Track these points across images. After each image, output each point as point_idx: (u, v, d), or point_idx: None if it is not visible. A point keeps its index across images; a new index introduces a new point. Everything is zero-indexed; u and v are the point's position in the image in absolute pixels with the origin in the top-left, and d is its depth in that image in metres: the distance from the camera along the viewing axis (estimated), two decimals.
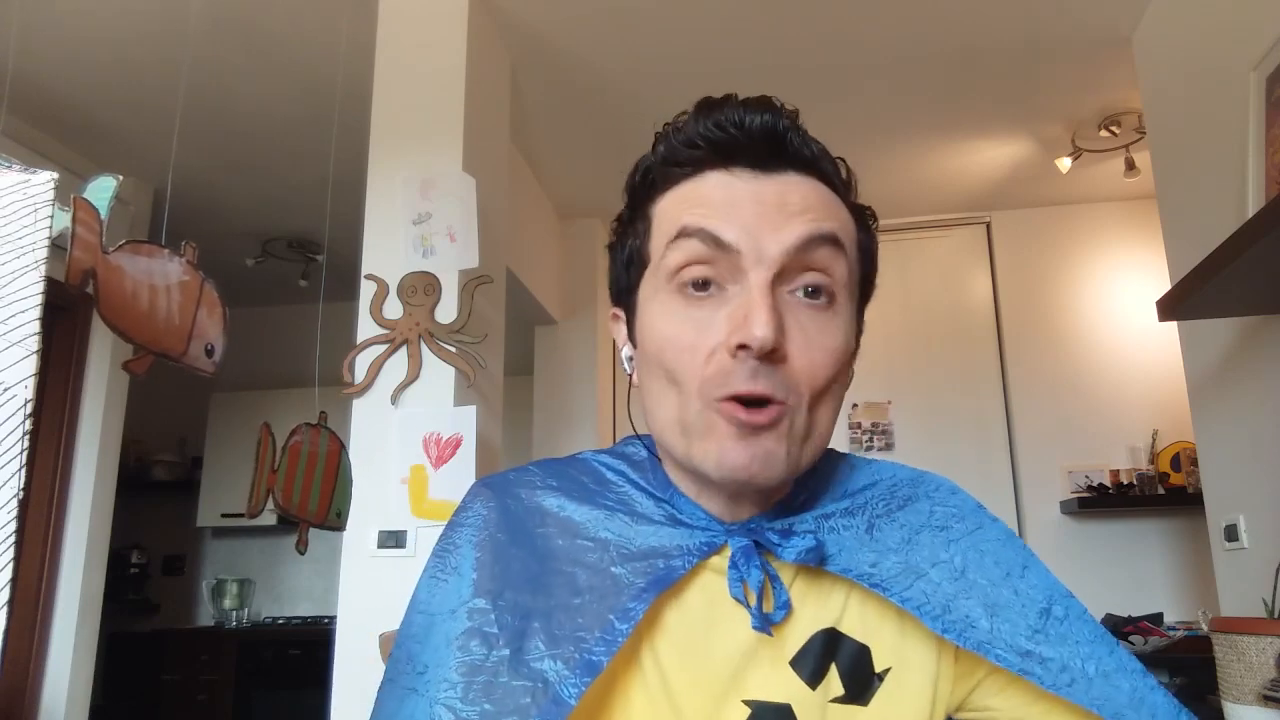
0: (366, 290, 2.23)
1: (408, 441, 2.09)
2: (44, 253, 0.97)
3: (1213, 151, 2.21)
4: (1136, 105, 3.06)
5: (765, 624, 0.60)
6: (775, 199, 0.60)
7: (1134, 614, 3.28)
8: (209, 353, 1.61)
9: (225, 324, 1.67)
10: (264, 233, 4.13)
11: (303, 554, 1.83)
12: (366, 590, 2.08)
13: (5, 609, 0.82)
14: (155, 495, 4.79)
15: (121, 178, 1.37)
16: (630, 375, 0.68)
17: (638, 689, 0.61)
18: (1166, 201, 2.55)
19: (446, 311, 2.19)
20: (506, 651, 0.58)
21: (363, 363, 2.19)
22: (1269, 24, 1.92)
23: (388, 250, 2.25)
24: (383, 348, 2.19)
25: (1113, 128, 3.26)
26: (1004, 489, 3.74)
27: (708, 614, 0.63)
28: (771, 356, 0.57)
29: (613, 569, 0.62)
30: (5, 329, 0.92)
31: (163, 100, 2.95)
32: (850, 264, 0.63)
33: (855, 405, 3.89)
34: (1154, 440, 3.62)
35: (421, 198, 2.20)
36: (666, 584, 0.61)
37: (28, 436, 0.89)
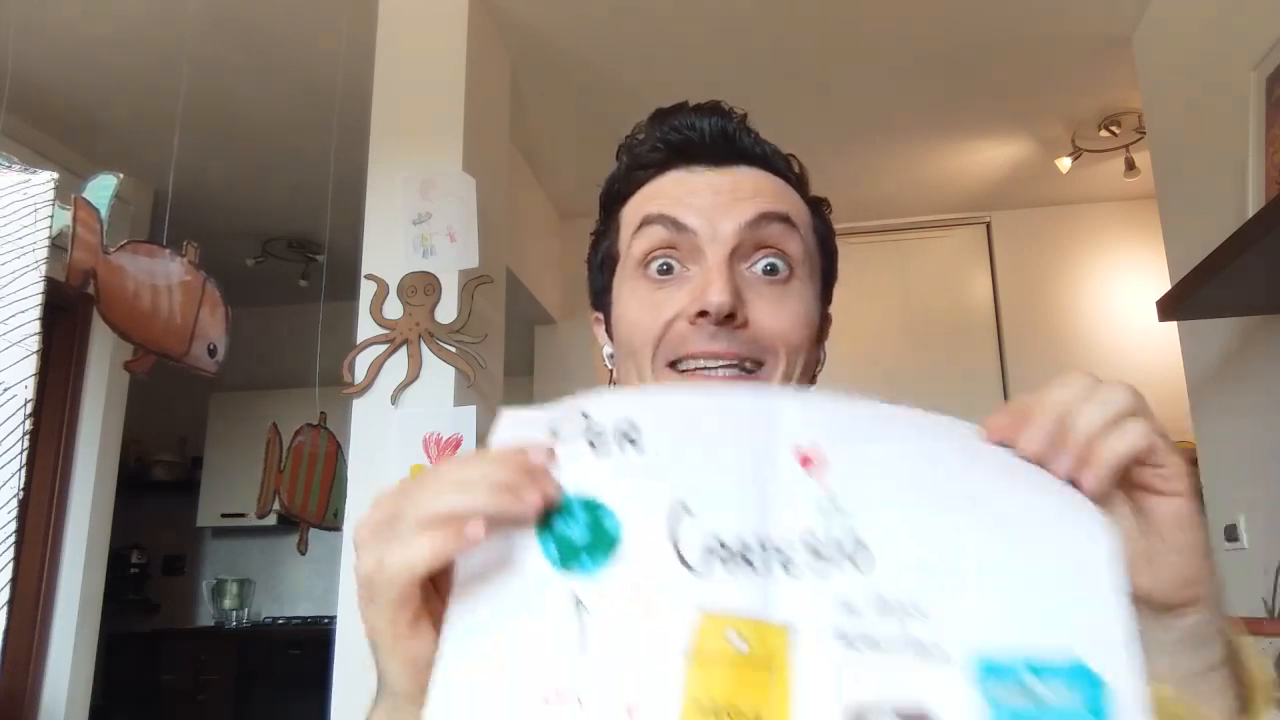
0: (366, 290, 2.23)
1: (408, 441, 2.09)
2: (44, 253, 0.98)
3: (1213, 151, 2.21)
4: (1136, 105, 3.05)
5: None
6: (729, 186, 0.65)
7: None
8: (211, 352, 1.62)
9: (227, 324, 1.68)
10: (264, 233, 4.13)
11: (303, 554, 1.83)
12: None
13: (5, 609, 0.82)
14: (155, 495, 4.79)
15: (121, 176, 1.37)
16: (611, 371, 0.70)
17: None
18: (1166, 201, 2.55)
19: (446, 311, 2.19)
20: None
21: (363, 363, 2.19)
22: (1269, 24, 1.91)
23: (388, 250, 2.24)
24: (383, 348, 2.19)
25: (1113, 128, 3.26)
26: None
27: None
28: (730, 322, 0.60)
29: None
30: (5, 329, 0.92)
31: (163, 100, 2.94)
32: (805, 245, 0.66)
33: None
34: None
35: (421, 198, 2.20)
36: None
37: (28, 436, 0.89)
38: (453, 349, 2.16)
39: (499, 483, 0.40)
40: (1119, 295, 3.78)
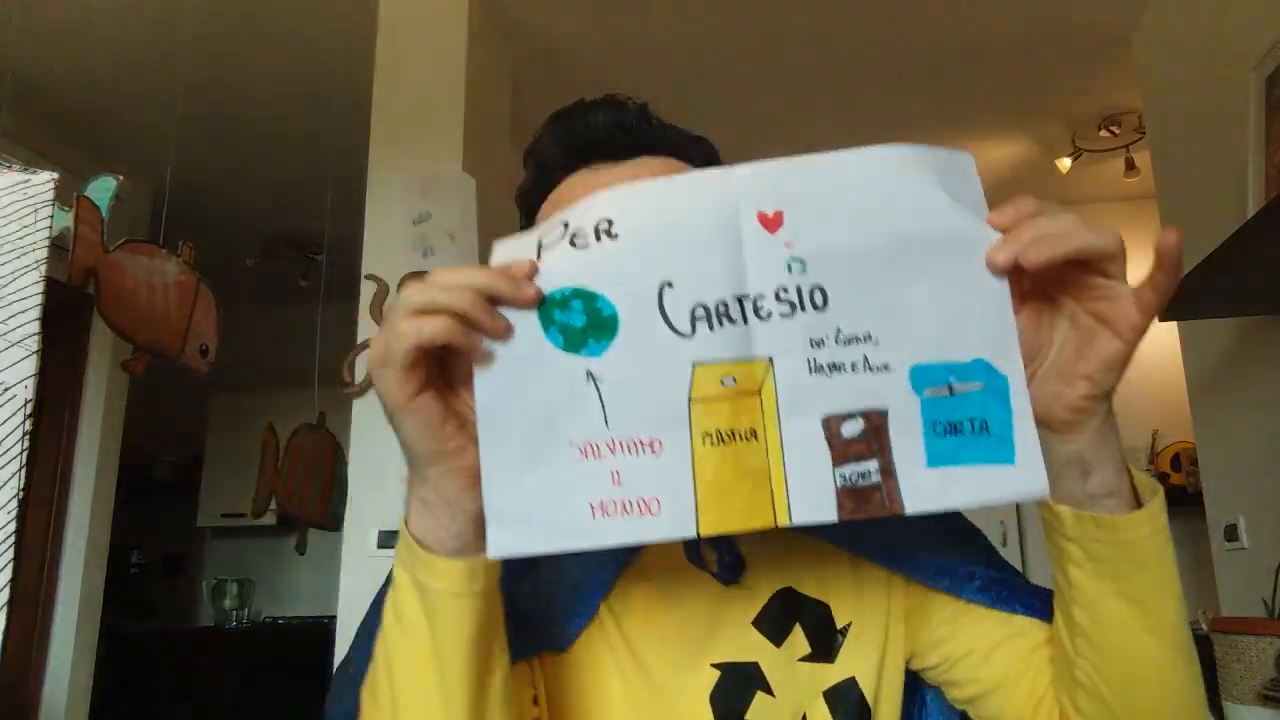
0: (366, 290, 2.22)
1: None
2: (44, 253, 0.97)
3: (1213, 151, 2.21)
4: (1136, 105, 3.05)
5: (732, 575, 0.63)
6: (629, 178, 0.63)
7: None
8: (204, 352, 1.62)
9: (219, 324, 1.68)
10: (264, 233, 4.13)
11: (303, 554, 1.83)
12: (366, 590, 2.06)
13: (5, 609, 0.82)
14: (155, 495, 4.79)
15: (121, 178, 1.37)
16: None
17: (610, 667, 0.62)
18: (1166, 201, 2.55)
19: None
20: None
21: (363, 363, 2.19)
22: (1269, 24, 1.91)
23: (388, 250, 2.24)
24: None
25: (1113, 128, 3.26)
26: None
27: (668, 583, 0.64)
28: None
29: (569, 559, 0.64)
30: (5, 329, 0.92)
31: (162, 100, 2.94)
32: None
33: None
34: (1154, 440, 3.62)
35: (421, 198, 2.20)
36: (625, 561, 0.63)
37: (28, 436, 0.89)
38: None
39: (474, 286, 0.45)
40: None
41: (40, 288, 0.95)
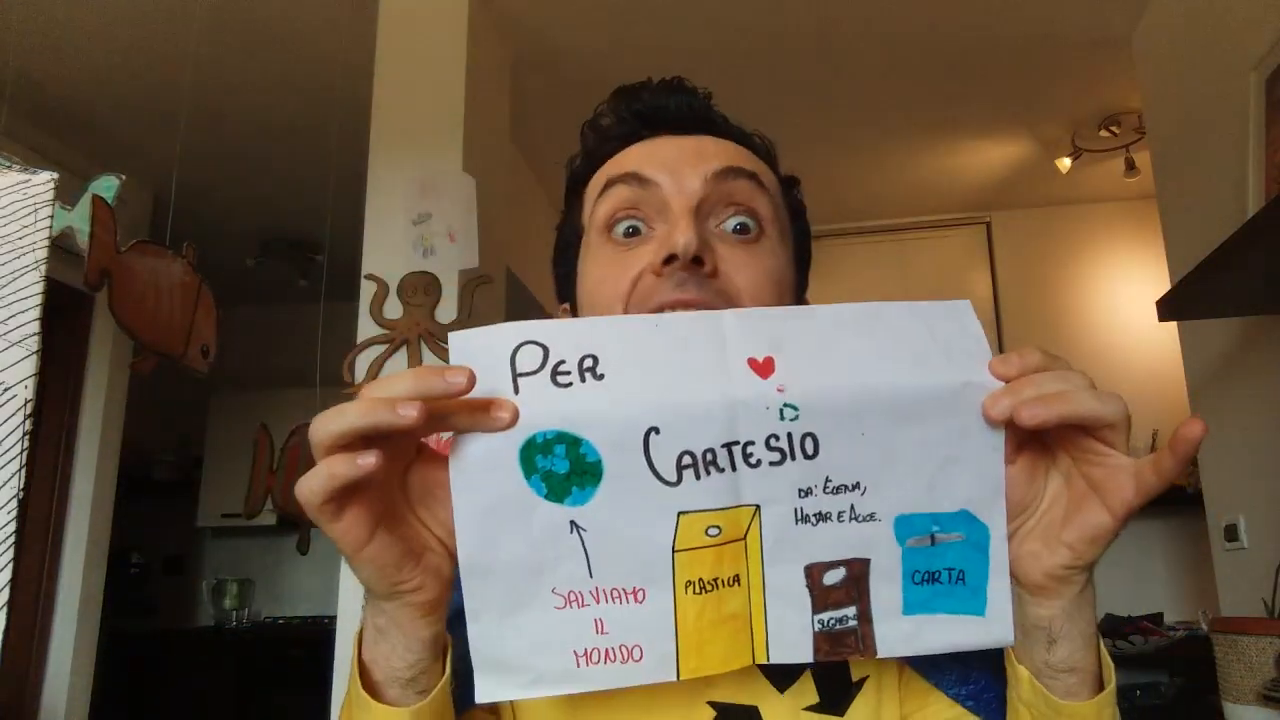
0: (366, 290, 2.23)
1: None
2: (44, 253, 0.97)
3: (1213, 151, 2.21)
4: (1136, 105, 3.05)
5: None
6: (694, 147, 0.63)
7: (1134, 614, 3.28)
8: (205, 353, 1.62)
9: (218, 326, 1.68)
10: (264, 233, 4.13)
11: (304, 554, 1.82)
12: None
13: (5, 609, 0.82)
14: (155, 495, 4.78)
15: (124, 177, 1.37)
16: None
17: (601, 698, 0.59)
18: (1166, 201, 2.55)
19: (447, 311, 2.19)
20: None
21: (363, 363, 2.19)
22: (1269, 24, 1.91)
23: (388, 250, 2.24)
24: (383, 348, 2.19)
25: (1113, 128, 3.26)
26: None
27: None
28: (699, 267, 0.57)
29: None
30: (5, 329, 0.92)
31: (163, 100, 2.95)
32: (775, 205, 0.63)
33: None
34: (1154, 440, 3.62)
35: (421, 198, 2.20)
36: None
37: (28, 436, 0.89)
38: None
39: (382, 399, 0.41)
40: (1119, 295, 3.78)
41: (40, 288, 0.95)
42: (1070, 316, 3.84)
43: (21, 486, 0.88)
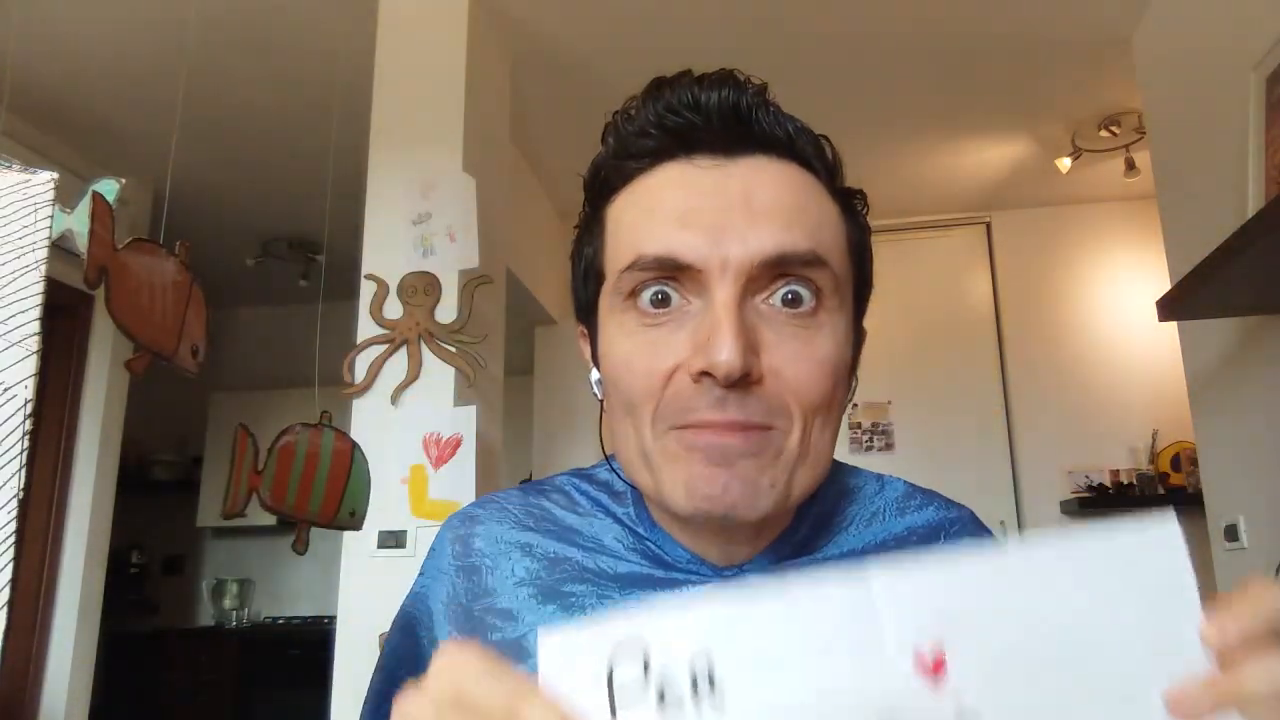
0: (366, 290, 2.23)
1: (408, 442, 2.09)
2: (44, 253, 0.98)
3: (1213, 151, 2.21)
4: (1136, 105, 3.05)
5: None
6: (741, 194, 0.52)
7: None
8: (194, 353, 1.61)
9: (208, 326, 1.68)
10: (264, 233, 4.13)
11: (301, 554, 1.82)
12: (366, 590, 2.08)
13: (5, 609, 0.82)
14: (155, 495, 4.79)
15: (124, 180, 1.37)
16: (600, 400, 0.60)
17: None
18: (1166, 201, 2.55)
19: (446, 311, 2.19)
20: None
21: (363, 363, 2.19)
22: (1269, 24, 1.91)
23: (388, 250, 2.25)
24: (383, 348, 2.19)
25: (1113, 128, 3.26)
26: (1004, 489, 3.74)
27: None
28: (742, 382, 0.49)
29: None
30: (5, 329, 0.92)
31: (163, 100, 2.94)
32: (837, 269, 0.54)
33: (855, 405, 3.87)
34: (1154, 440, 3.62)
35: (421, 198, 2.20)
36: None
37: (28, 436, 0.89)
38: (453, 349, 2.16)
39: None
40: (1119, 295, 3.78)
41: (40, 288, 0.95)
42: (1070, 316, 3.84)
43: (21, 486, 0.88)
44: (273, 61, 2.81)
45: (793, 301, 0.51)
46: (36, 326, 0.93)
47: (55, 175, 1.00)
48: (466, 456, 2.07)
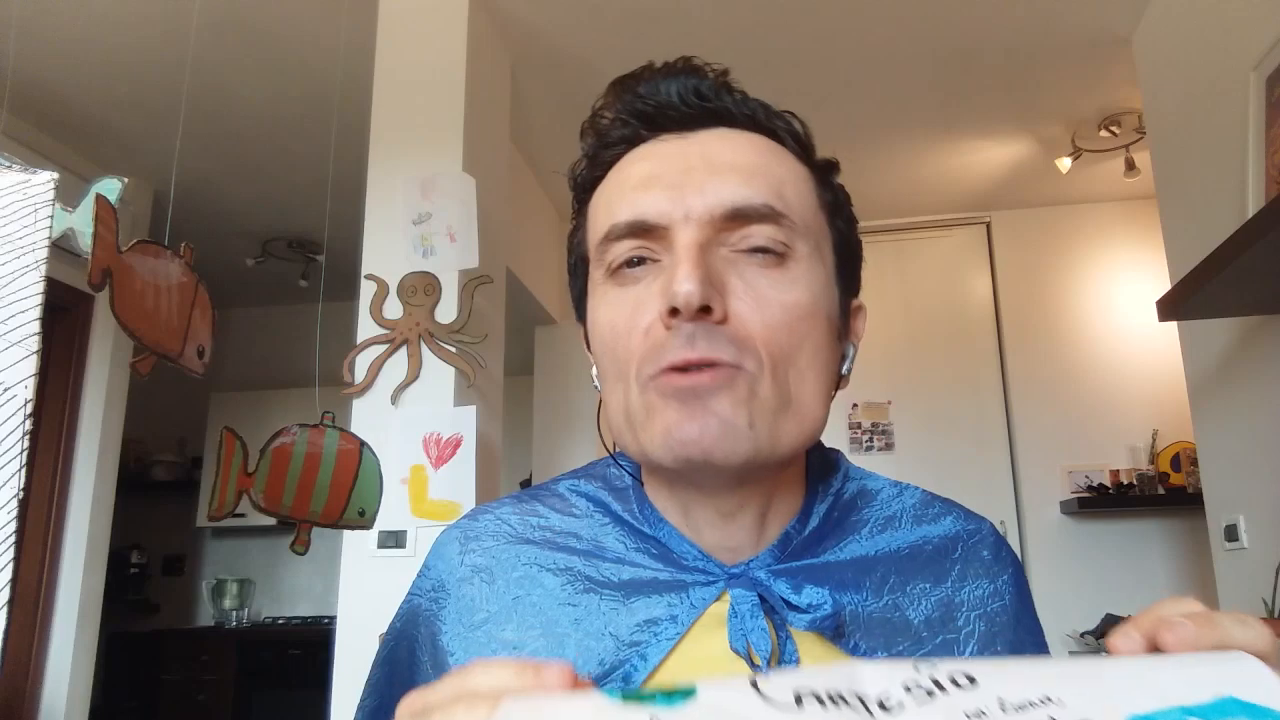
0: (366, 290, 2.23)
1: (408, 441, 2.09)
2: (44, 253, 0.97)
3: (1213, 151, 2.21)
4: (1136, 105, 3.06)
5: None
6: (701, 155, 0.54)
7: (1134, 614, 3.28)
8: (200, 354, 1.61)
9: (214, 327, 1.68)
10: (264, 233, 4.13)
11: (301, 554, 1.82)
12: (366, 590, 2.08)
13: (5, 609, 0.82)
14: (155, 495, 4.79)
15: (126, 181, 1.37)
16: (599, 389, 0.60)
17: None
18: (1166, 201, 2.55)
19: (446, 311, 2.19)
20: None
21: (363, 363, 2.19)
22: (1269, 24, 1.92)
23: (388, 250, 2.25)
24: (383, 348, 2.19)
25: (1113, 128, 3.26)
26: (1004, 489, 3.74)
27: (699, 674, 0.52)
28: (707, 316, 0.50)
29: (594, 642, 0.54)
30: (5, 329, 0.92)
31: (163, 100, 2.95)
32: (803, 223, 0.54)
33: (855, 405, 3.89)
34: (1154, 440, 3.62)
35: (421, 198, 2.20)
36: (657, 659, 0.53)
37: (28, 436, 0.89)
38: (453, 349, 2.16)
39: None
40: (1119, 295, 3.79)
41: (40, 288, 0.95)
42: (1070, 316, 3.84)
43: (21, 486, 0.88)
44: (273, 62, 2.81)
45: (759, 250, 0.52)
46: (36, 326, 0.92)
47: (55, 175, 1.00)
48: (466, 456, 2.07)
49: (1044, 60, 2.90)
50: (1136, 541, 3.61)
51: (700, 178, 0.53)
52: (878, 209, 3.89)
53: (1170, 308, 1.95)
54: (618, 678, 0.53)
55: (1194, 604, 0.37)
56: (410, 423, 2.11)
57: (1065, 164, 3.44)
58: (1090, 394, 3.72)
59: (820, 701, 0.31)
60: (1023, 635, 0.59)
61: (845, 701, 0.31)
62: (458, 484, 2.05)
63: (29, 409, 0.89)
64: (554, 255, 3.84)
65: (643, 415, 0.52)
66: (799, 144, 0.59)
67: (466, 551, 0.61)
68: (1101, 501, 3.53)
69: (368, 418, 2.17)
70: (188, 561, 4.95)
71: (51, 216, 1.00)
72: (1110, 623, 3.22)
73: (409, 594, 0.63)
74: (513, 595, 0.58)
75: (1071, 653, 3.39)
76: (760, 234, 0.53)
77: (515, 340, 2.94)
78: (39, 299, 0.96)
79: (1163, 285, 2.26)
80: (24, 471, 0.88)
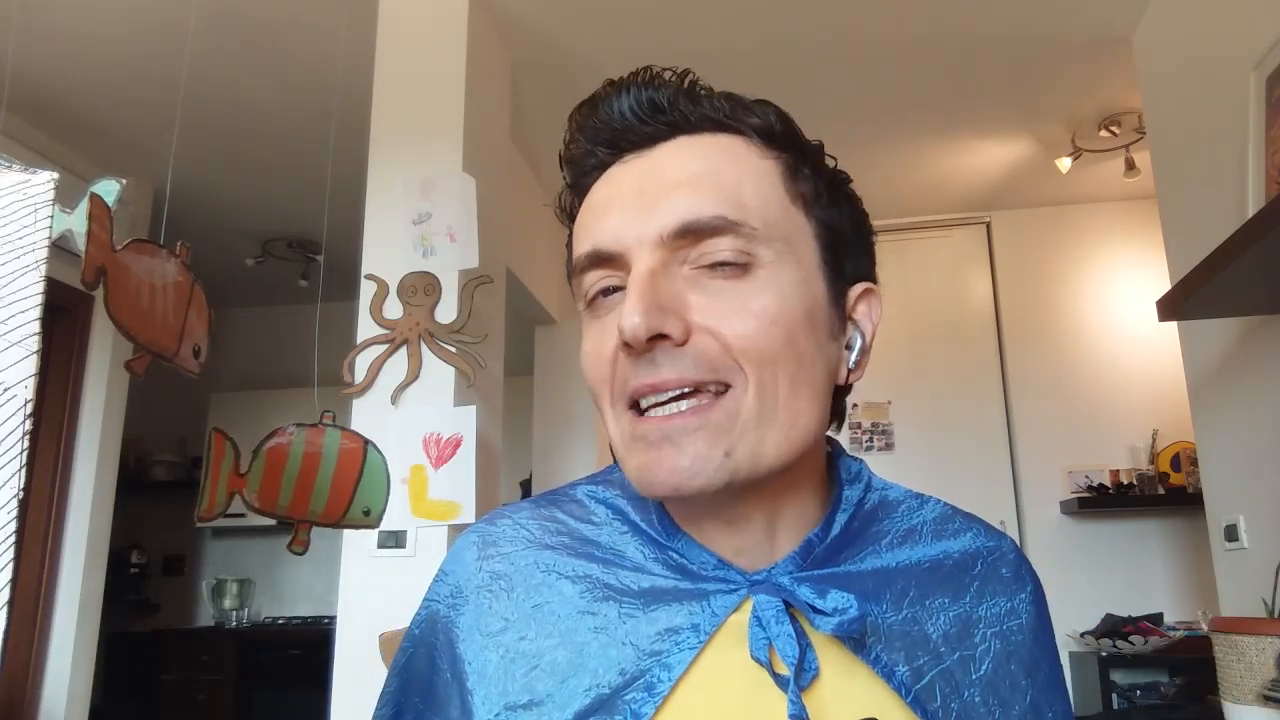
0: (366, 290, 2.23)
1: (408, 442, 2.09)
2: (44, 253, 0.98)
3: (1213, 151, 2.21)
4: (1136, 105, 3.06)
5: (802, 709, 0.49)
6: (654, 173, 0.54)
7: (1134, 614, 3.28)
8: (196, 353, 1.61)
9: (210, 326, 1.67)
10: (264, 233, 4.13)
11: (300, 554, 1.81)
12: (366, 590, 2.08)
13: (5, 609, 0.82)
14: (155, 495, 4.79)
15: (125, 181, 1.37)
16: None
17: None
18: (1166, 201, 2.55)
19: (446, 311, 2.19)
20: None
21: (363, 363, 2.19)
22: (1269, 24, 1.91)
23: (388, 250, 2.25)
24: (383, 348, 2.19)
25: (1113, 128, 3.26)
26: (1004, 489, 3.74)
27: (721, 684, 0.53)
28: (664, 341, 0.50)
29: (614, 651, 0.54)
30: (5, 329, 0.92)
31: (163, 100, 2.95)
32: (763, 225, 0.52)
33: (855, 405, 3.88)
34: (1154, 440, 3.62)
35: (421, 198, 2.20)
36: (680, 669, 0.52)
37: (28, 436, 0.89)
38: (453, 349, 2.16)
39: None
40: (1119, 295, 3.79)
41: (40, 288, 0.95)
42: (1070, 316, 3.84)
43: (21, 486, 0.88)
44: (273, 61, 2.81)
45: (721, 265, 0.52)
46: (36, 326, 0.93)
47: (55, 175, 1.00)
48: (466, 456, 2.07)
49: (1044, 60, 2.90)
50: (1136, 541, 3.61)
51: (652, 198, 0.53)
52: (877, 209, 3.87)
53: (1170, 308, 1.95)
54: (639, 687, 0.52)
55: None
56: (410, 423, 2.11)
57: (1065, 164, 3.44)
58: (1090, 394, 3.72)
59: None
60: (1038, 655, 0.59)
61: None
62: (458, 484, 2.05)
63: (29, 409, 0.89)
64: (554, 255, 3.84)
65: (623, 449, 0.53)
66: (767, 136, 0.57)
67: (485, 557, 0.60)
68: (1101, 501, 3.53)
69: (368, 418, 2.17)
70: (188, 561, 4.95)
71: (51, 217, 1.00)
72: (1110, 622, 3.22)
73: (426, 600, 0.62)
74: (532, 603, 0.57)
75: (1073, 653, 3.39)
76: (717, 247, 0.52)
77: (515, 340, 2.94)
78: (39, 299, 0.96)
79: (1162, 285, 2.26)
80: (24, 471, 0.88)
